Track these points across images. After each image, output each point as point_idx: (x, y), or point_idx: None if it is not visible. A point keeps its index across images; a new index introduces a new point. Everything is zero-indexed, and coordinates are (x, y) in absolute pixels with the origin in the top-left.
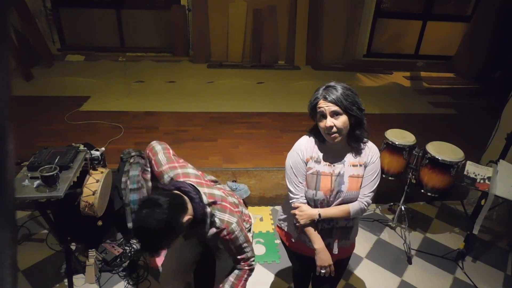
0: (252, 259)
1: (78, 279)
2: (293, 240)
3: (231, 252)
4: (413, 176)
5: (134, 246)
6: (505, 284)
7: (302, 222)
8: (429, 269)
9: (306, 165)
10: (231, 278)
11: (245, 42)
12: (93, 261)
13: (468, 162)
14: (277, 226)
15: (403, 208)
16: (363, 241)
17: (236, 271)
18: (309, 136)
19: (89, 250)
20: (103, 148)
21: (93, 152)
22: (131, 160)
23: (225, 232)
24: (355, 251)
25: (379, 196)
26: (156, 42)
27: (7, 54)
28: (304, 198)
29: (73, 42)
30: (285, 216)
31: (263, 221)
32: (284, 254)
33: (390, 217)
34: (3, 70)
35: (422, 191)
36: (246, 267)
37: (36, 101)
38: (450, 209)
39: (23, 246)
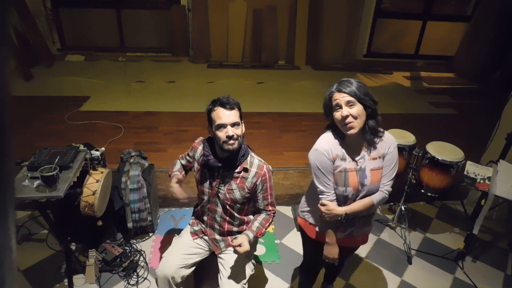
0: (275, 206)
1: (78, 279)
2: (317, 229)
3: (265, 193)
4: (413, 176)
5: (134, 246)
6: (505, 284)
7: (327, 218)
8: (429, 269)
9: (334, 163)
10: (260, 219)
11: (245, 42)
12: (93, 261)
13: (468, 162)
14: (299, 217)
15: (403, 208)
16: None
17: (263, 215)
18: (328, 134)
19: (89, 250)
20: (103, 148)
21: (93, 152)
22: (131, 160)
23: (265, 169)
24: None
25: None
26: (156, 42)
27: (7, 54)
28: (334, 194)
29: (73, 42)
30: (309, 208)
31: None
32: (284, 254)
33: (390, 217)
34: (3, 70)
35: (422, 191)
36: (272, 213)
37: (36, 101)
38: (450, 209)
39: (23, 246)
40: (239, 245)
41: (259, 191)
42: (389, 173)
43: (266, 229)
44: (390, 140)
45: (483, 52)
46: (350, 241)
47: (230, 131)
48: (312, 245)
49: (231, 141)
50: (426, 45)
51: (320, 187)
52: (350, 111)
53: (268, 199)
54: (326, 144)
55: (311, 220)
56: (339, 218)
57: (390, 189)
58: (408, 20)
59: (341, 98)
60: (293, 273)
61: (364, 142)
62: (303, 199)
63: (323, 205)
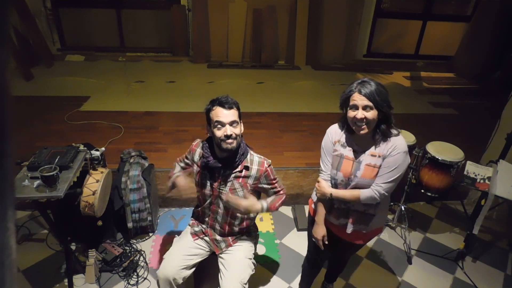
0: (284, 188)
1: (78, 279)
2: (312, 206)
3: (272, 185)
4: (413, 176)
5: (134, 246)
6: (505, 284)
7: (317, 195)
8: (429, 269)
9: (334, 146)
10: (273, 196)
11: (245, 42)
12: (93, 261)
13: (468, 162)
14: (311, 198)
15: (403, 208)
16: None
17: (275, 195)
18: (340, 124)
19: (89, 250)
20: (103, 148)
21: (93, 152)
22: (131, 160)
23: (266, 164)
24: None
25: None
26: (156, 42)
27: (7, 54)
28: (329, 175)
29: (73, 42)
30: None
31: (263, 221)
32: (284, 254)
33: (390, 217)
34: (3, 70)
35: (422, 191)
36: (283, 193)
37: (36, 101)
38: (450, 209)
39: (23, 246)
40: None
41: (265, 186)
42: (385, 175)
43: (279, 204)
44: (397, 145)
45: (483, 52)
46: (342, 232)
47: (229, 130)
48: (310, 225)
49: (229, 140)
50: (426, 45)
51: (321, 165)
52: (366, 115)
53: (277, 188)
54: (334, 129)
55: (315, 199)
56: (327, 199)
57: (383, 192)
58: (408, 20)
59: (359, 101)
60: (293, 273)
61: (370, 139)
62: None
63: (318, 182)
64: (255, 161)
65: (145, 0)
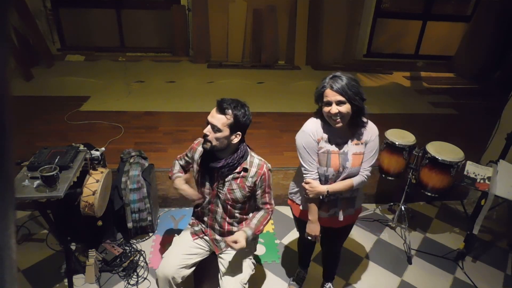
0: (273, 204)
1: (78, 279)
2: (301, 208)
3: (264, 192)
4: (413, 176)
5: (134, 246)
6: (505, 284)
7: (311, 196)
8: (429, 269)
9: (318, 144)
10: (258, 216)
11: (245, 42)
12: (93, 261)
13: (468, 162)
14: (289, 199)
15: (403, 208)
16: (363, 241)
17: (262, 212)
18: (316, 119)
19: (89, 250)
20: (103, 148)
21: (93, 152)
22: (131, 160)
23: (265, 168)
24: (355, 251)
25: (379, 196)
26: (156, 42)
27: (7, 54)
28: (317, 173)
29: (73, 42)
30: (297, 189)
31: None
32: (284, 254)
33: (390, 217)
34: (3, 70)
35: (422, 191)
36: (270, 210)
37: (36, 101)
38: (450, 209)
39: (23, 246)
40: (235, 242)
41: (257, 189)
42: (370, 159)
43: (264, 226)
44: (373, 130)
45: (483, 52)
46: (333, 222)
47: (206, 129)
48: (297, 223)
49: (205, 139)
50: (426, 45)
51: (305, 166)
52: (340, 109)
53: (266, 198)
54: (313, 126)
55: (297, 201)
56: (321, 197)
57: (370, 174)
58: (408, 20)
59: (332, 96)
60: (293, 273)
61: (349, 129)
62: (292, 182)
63: (307, 183)
64: (255, 163)
65: (145, 0)
